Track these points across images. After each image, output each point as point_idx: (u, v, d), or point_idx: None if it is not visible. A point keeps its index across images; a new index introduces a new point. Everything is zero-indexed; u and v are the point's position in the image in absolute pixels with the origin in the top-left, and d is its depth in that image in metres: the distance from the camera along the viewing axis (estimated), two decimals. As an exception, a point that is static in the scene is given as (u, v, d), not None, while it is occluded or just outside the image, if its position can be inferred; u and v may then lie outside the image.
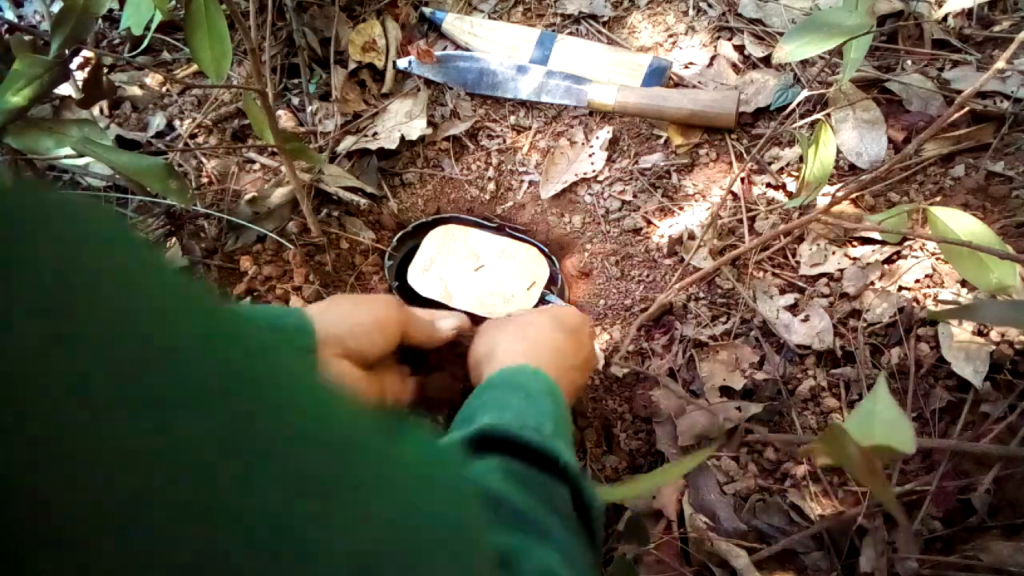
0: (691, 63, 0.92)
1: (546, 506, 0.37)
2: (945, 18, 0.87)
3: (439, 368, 0.61)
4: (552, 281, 0.86)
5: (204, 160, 0.88)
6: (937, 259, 0.72)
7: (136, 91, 0.94)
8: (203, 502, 0.13)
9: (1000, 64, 0.53)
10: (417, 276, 0.86)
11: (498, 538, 0.32)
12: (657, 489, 0.67)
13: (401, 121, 0.93)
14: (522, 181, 0.92)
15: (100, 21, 0.98)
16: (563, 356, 0.55)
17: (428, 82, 0.96)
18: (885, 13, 0.88)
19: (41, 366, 0.12)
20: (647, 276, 0.82)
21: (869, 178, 0.65)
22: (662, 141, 0.89)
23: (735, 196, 0.82)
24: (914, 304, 0.70)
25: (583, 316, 0.63)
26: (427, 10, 1.00)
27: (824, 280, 0.75)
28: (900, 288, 0.71)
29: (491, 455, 0.39)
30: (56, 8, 0.93)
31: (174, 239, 0.81)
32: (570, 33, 0.97)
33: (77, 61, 0.84)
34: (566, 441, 0.45)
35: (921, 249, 0.73)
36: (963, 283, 0.70)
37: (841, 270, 0.74)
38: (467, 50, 0.97)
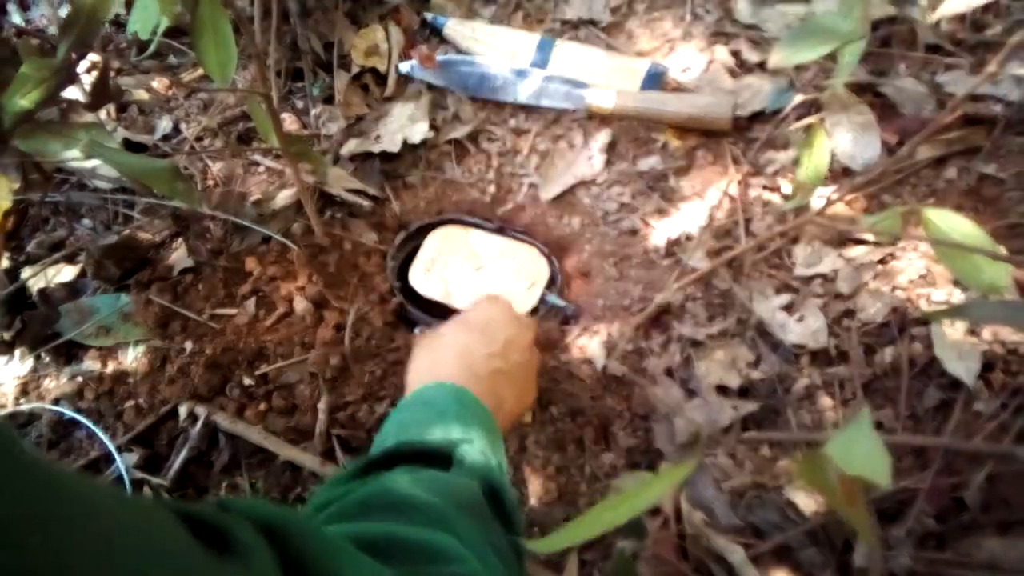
0: (688, 68, 0.93)
1: (447, 500, 0.40)
2: (938, 23, 0.88)
3: None
4: (552, 281, 0.87)
5: (210, 163, 0.89)
6: (930, 260, 0.73)
7: (143, 95, 0.95)
8: None
9: (992, 68, 0.54)
10: (419, 276, 0.87)
11: (398, 529, 0.36)
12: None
13: (403, 124, 0.94)
14: (522, 183, 0.93)
15: (107, 26, 0.99)
16: (470, 355, 0.59)
17: (430, 86, 0.97)
18: (879, 18, 0.89)
19: None
20: (645, 277, 0.83)
21: (863, 180, 0.66)
22: (660, 144, 0.90)
23: (731, 198, 0.84)
24: (907, 304, 0.71)
25: (496, 305, 0.66)
26: (429, 15, 1.01)
27: (819, 280, 0.76)
28: (894, 288, 0.72)
29: (400, 467, 0.43)
30: (63, 12, 0.94)
31: (180, 240, 0.83)
32: (569, 38, 0.98)
33: (84, 65, 0.85)
34: (479, 434, 0.49)
35: (914, 250, 0.74)
36: (956, 283, 0.71)
37: (835, 271, 0.75)
38: (468, 55, 0.98)
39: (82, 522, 0.17)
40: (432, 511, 0.38)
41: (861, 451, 0.39)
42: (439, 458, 0.44)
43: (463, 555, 0.36)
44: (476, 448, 0.47)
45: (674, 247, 0.83)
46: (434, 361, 0.59)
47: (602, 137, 0.91)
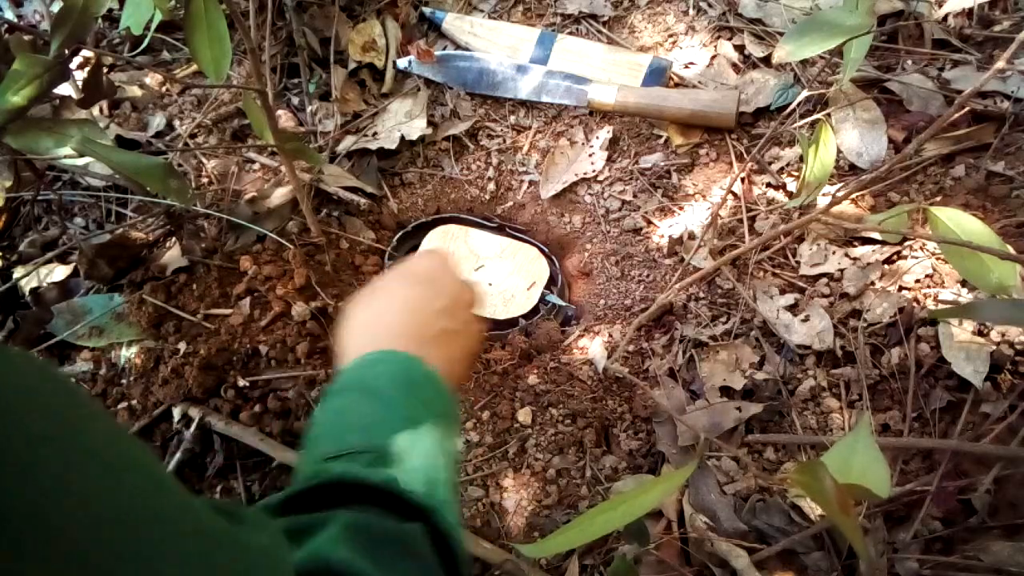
0: (691, 63, 0.92)
1: (392, 563, 0.36)
2: (945, 18, 0.87)
3: None
4: (552, 281, 0.86)
5: (204, 160, 0.88)
6: (937, 259, 0.72)
7: (136, 91, 0.94)
8: None
9: (1000, 64, 0.53)
10: (417, 276, 0.86)
11: None
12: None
13: (401, 121, 0.93)
14: (522, 181, 0.92)
15: (100, 21, 0.98)
16: (419, 312, 0.50)
17: (428, 82, 0.96)
18: (885, 13, 0.88)
19: None
20: (647, 276, 0.82)
21: (869, 178, 0.65)
22: (662, 141, 0.89)
23: (735, 196, 0.82)
24: (914, 304, 0.70)
25: (438, 257, 0.56)
26: (427, 10, 1.00)
27: (824, 280, 0.75)
28: (900, 288, 0.71)
29: (337, 509, 0.38)
30: (56, 8, 0.93)
31: (174, 239, 0.81)
32: (570, 33, 0.97)
33: (77, 61, 0.84)
34: (429, 430, 0.42)
35: (921, 249, 0.73)
36: (963, 283, 0.70)
37: (841, 270, 0.74)
38: (467, 50, 0.97)
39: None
40: None
41: (860, 461, 0.38)
42: (378, 493, 0.39)
43: None
44: (419, 474, 0.41)
45: (677, 246, 0.81)
46: (376, 319, 0.49)
47: (603, 134, 0.89)
